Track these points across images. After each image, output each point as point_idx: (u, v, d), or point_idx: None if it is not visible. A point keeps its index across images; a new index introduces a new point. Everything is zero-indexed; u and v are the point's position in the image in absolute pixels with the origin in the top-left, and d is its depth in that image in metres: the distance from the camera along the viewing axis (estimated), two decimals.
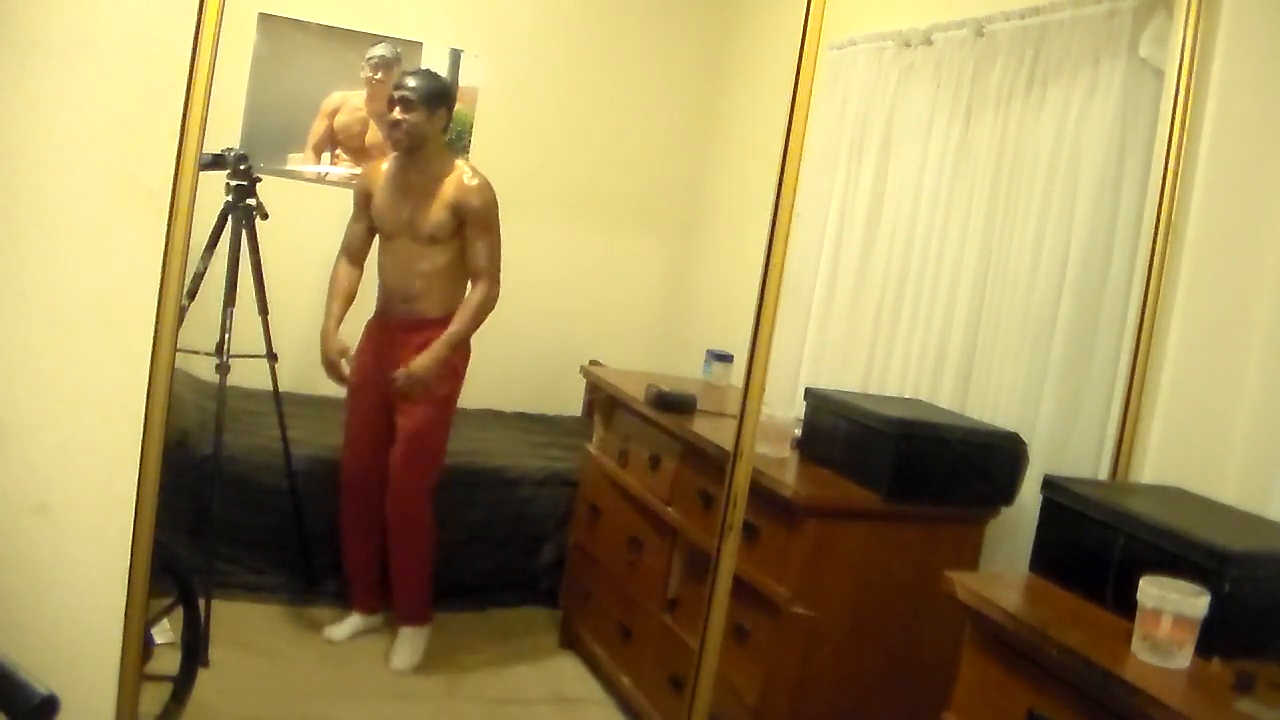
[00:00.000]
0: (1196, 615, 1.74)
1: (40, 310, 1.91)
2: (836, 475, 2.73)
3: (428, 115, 3.28)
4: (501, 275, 3.39)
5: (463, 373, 3.45)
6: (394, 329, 3.41)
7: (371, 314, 3.49)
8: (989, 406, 2.92)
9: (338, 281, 3.47)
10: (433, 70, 3.52)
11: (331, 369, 3.44)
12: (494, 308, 3.39)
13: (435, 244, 3.33)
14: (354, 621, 3.53)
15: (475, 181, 3.32)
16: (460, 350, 3.39)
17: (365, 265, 3.52)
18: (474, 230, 3.33)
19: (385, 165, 3.44)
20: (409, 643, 3.41)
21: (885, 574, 2.62)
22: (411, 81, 3.29)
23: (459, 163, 3.39)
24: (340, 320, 3.45)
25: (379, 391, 3.40)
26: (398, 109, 3.27)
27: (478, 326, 3.39)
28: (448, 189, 3.30)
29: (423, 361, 3.30)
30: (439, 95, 3.31)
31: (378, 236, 3.45)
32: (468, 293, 3.40)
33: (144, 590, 2.01)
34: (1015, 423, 2.78)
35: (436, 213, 3.30)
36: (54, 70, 1.87)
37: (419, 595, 3.45)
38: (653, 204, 5.02)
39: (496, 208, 3.35)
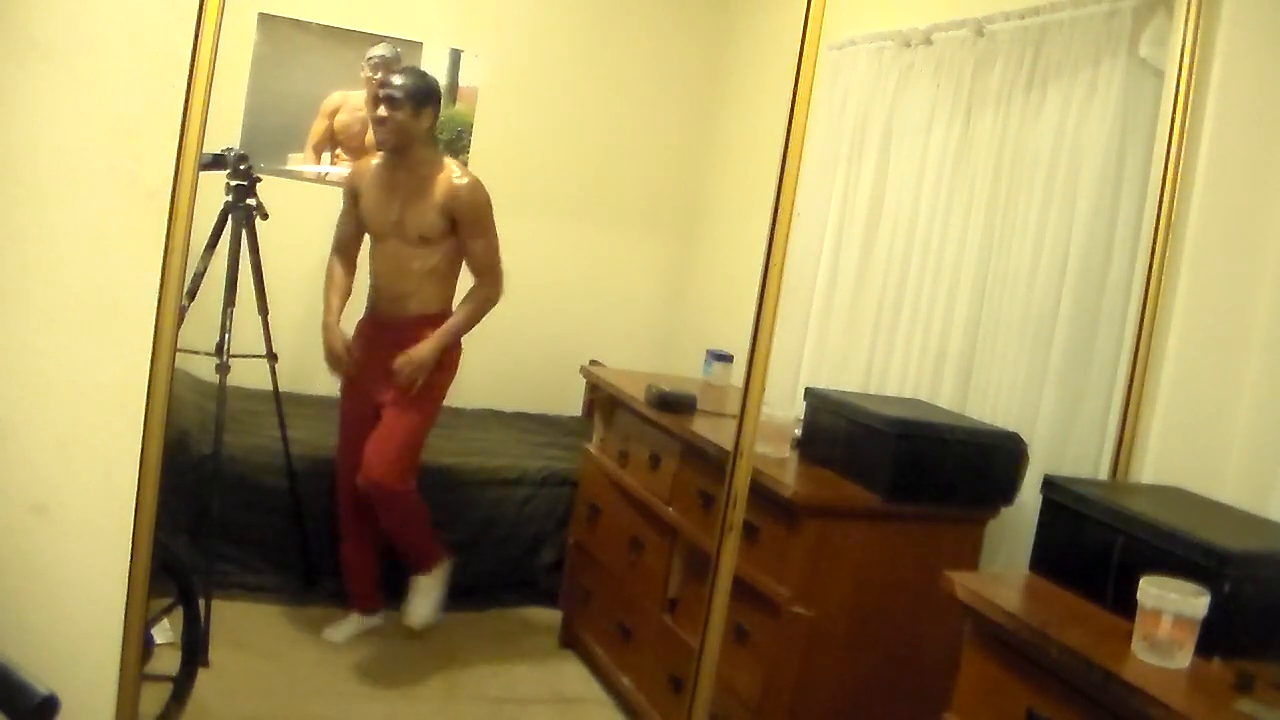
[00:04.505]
0: (1196, 615, 1.74)
1: (40, 310, 1.91)
2: (836, 475, 2.73)
3: (413, 113, 3.25)
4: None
5: (452, 369, 3.44)
6: (386, 329, 3.40)
7: (363, 314, 3.49)
8: (989, 406, 2.92)
9: (333, 277, 3.46)
10: (420, 69, 3.49)
11: (336, 361, 3.42)
12: (496, 304, 3.39)
13: (426, 245, 3.31)
14: (354, 622, 3.53)
15: (464, 181, 3.29)
16: (453, 346, 3.39)
17: (357, 263, 3.51)
18: (469, 231, 3.31)
19: (373, 164, 3.41)
20: (424, 594, 3.41)
21: (885, 574, 2.62)
22: (397, 79, 3.26)
23: (448, 162, 3.36)
24: (340, 313, 3.44)
25: (371, 391, 3.38)
26: (383, 106, 3.25)
27: (477, 322, 3.38)
28: (437, 189, 3.28)
29: (424, 348, 3.30)
30: (425, 94, 3.28)
31: (368, 236, 3.44)
32: (467, 290, 3.39)
33: (144, 590, 2.01)
34: (1015, 423, 2.78)
35: (426, 213, 3.28)
36: (54, 70, 1.87)
37: (423, 545, 3.45)
38: (653, 204, 5.02)
39: (489, 206, 3.33)
